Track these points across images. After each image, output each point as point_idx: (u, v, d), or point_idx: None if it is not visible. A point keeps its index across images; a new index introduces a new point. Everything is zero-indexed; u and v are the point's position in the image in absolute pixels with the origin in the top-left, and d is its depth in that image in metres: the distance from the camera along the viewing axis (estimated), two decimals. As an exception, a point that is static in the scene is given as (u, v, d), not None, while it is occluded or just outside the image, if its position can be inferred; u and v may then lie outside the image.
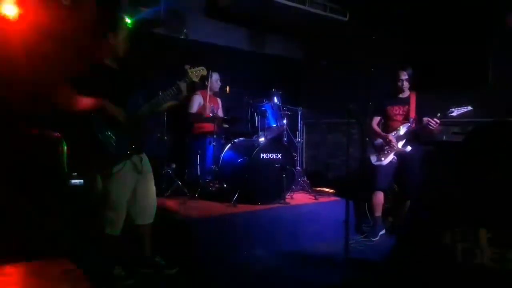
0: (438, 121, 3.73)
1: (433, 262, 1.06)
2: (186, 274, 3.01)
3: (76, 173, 2.90)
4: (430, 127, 3.75)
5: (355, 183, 4.60)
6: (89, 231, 2.73)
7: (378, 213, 4.21)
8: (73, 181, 2.82)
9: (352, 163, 5.46)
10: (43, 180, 3.04)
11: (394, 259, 1.16)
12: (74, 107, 2.49)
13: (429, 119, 3.75)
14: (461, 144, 1.20)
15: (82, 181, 3.01)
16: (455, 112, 3.64)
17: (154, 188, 2.92)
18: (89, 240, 2.78)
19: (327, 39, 6.11)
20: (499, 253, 1.01)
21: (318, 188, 5.09)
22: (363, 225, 4.46)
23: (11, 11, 3.82)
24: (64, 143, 2.62)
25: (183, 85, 2.81)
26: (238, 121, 4.85)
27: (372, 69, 5.21)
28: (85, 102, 2.51)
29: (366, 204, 4.37)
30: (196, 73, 2.90)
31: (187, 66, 2.88)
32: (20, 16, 3.84)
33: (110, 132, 2.58)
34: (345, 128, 5.63)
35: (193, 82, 2.96)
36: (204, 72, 2.98)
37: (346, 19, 5.65)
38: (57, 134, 2.60)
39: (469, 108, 3.61)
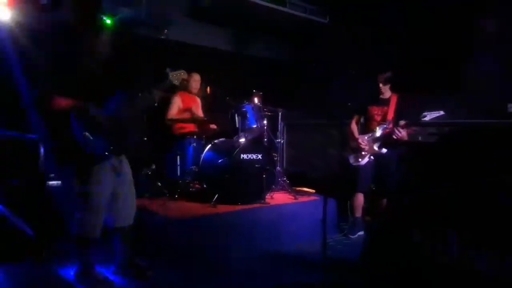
0: (402, 132, 3.83)
1: (403, 259, 1.11)
2: (165, 275, 3.01)
3: (53, 175, 2.87)
4: (394, 136, 3.87)
5: (335, 182, 4.67)
6: (68, 233, 2.69)
7: (358, 213, 4.30)
8: (50, 182, 2.78)
9: (332, 163, 5.57)
10: (20, 182, 3.00)
11: (366, 256, 1.21)
12: (53, 108, 2.46)
13: (396, 128, 3.85)
14: (433, 147, 1.25)
15: (59, 182, 2.96)
16: (428, 116, 3.71)
17: (133, 189, 2.91)
18: (67, 242, 2.74)
19: (308, 41, 6.19)
20: (466, 254, 1.06)
21: (298, 188, 5.15)
22: (342, 223, 4.54)
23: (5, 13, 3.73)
24: (41, 144, 2.57)
25: (157, 93, 2.81)
26: (218, 121, 4.86)
27: (352, 71, 5.30)
28: (64, 103, 2.49)
29: (348, 203, 4.43)
30: (176, 76, 2.91)
31: (168, 70, 2.87)
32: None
33: (89, 133, 2.56)
34: (325, 129, 5.75)
35: (174, 83, 2.96)
36: (185, 76, 2.99)
37: (326, 21, 5.74)
38: (34, 135, 2.56)
39: (442, 112, 3.71)
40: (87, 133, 2.55)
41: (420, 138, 4.27)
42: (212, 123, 4.79)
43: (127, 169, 2.84)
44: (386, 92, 4.13)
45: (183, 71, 2.95)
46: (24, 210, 2.91)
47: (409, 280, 1.09)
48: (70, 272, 2.51)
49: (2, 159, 2.92)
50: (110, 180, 2.67)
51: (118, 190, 2.75)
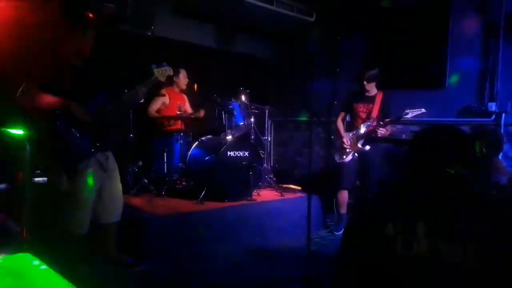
0: (385, 130, 3.95)
1: (376, 252, 1.16)
2: (152, 272, 3.03)
3: (39, 171, 2.86)
4: (378, 134, 3.97)
5: (320, 179, 4.75)
6: (54, 229, 2.70)
7: (343, 210, 4.37)
8: (36, 179, 2.78)
9: (317, 161, 5.64)
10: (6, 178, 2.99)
11: (342, 250, 1.26)
12: (37, 106, 2.46)
13: (379, 127, 3.95)
14: (408, 143, 1.31)
15: (46, 179, 2.96)
16: (410, 114, 3.81)
17: (120, 186, 2.92)
18: (54, 239, 2.74)
19: (295, 39, 6.23)
20: (433, 245, 1.12)
21: (285, 185, 5.21)
22: (328, 220, 4.63)
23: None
24: (27, 141, 2.57)
25: (143, 90, 2.82)
26: (203, 119, 4.87)
27: (338, 69, 5.38)
28: (49, 100, 2.49)
29: (334, 200, 4.50)
30: (162, 73, 2.92)
31: (153, 66, 2.88)
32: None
33: (75, 130, 2.57)
34: (311, 127, 5.82)
35: (160, 79, 2.97)
36: (171, 72, 3.00)
37: (313, 19, 5.78)
38: (19, 131, 2.56)
39: (423, 110, 3.81)
40: (73, 130, 2.56)
41: (404, 136, 4.37)
42: (199, 110, 4.78)
43: (113, 165, 2.85)
44: (372, 89, 4.19)
45: (169, 67, 2.96)
46: (10, 207, 2.90)
47: (382, 273, 1.14)
48: (57, 268, 2.51)
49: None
50: (96, 176, 2.68)
51: (104, 187, 2.76)
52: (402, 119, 3.87)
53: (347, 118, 4.46)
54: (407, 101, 4.14)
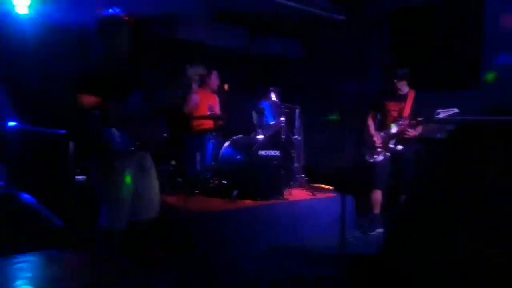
0: (414, 131, 3.87)
1: (421, 256, 1.14)
2: (186, 269, 3.09)
3: (80, 170, 2.98)
4: (408, 135, 3.90)
5: (353, 179, 4.68)
6: (94, 226, 2.80)
7: (377, 210, 4.29)
8: (77, 177, 2.90)
9: (349, 160, 5.57)
10: (50, 176, 3.13)
11: (384, 253, 1.24)
12: (80, 105, 2.56)
13: (409, 127, 3.88)
14: (444, 143, 1.27)
15: (85, 177, 3.08)
16: (442, 114, 3.71)
17: (157, 183, 2.99)
18: (93, 235, 2.85)
19: (325, 38, 6.19)
20: (478, 250, 1.08)
21: (316, 185, 5.17)
22: (361, 220, 4.55)
23: (23, 7, 3.89)
24: (69, 140, 2.69)
25: (177, 90, 2.88)
26: (235, 119, 4.92)
27: (369, 68, 5.30)
28: (90, 100, 2.58)
29: (365, 200, 4.43)
30: (195, 72, 2.97)
31: (187, 66, 2.94)
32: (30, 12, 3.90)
33: (114, 130, 2.65)
34: (343, 125, 5.75)
35: (192, 80, 3.02)
36: (203, 72, 3.05)
37: (344, 18, 5.73)
38: (62, 131, 2.68)
39: (456, 110, 3.70)
40: (112, 130, 2.64)
41: (438, 136, 4.24)
42: (221, 119, 4.84)
43: (150, 163, 2.93)
44: (403, 88, 4.10)
45: (201, 67, 3.01)
46: (54, 203, 3.04)
47: (424, 276, 1.12)
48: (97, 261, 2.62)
49: (35, 153, 3.07)
50: (134, 174, 2.77)
51: (142, 184, 2.84)
52: (432, 119, 3.79)
53: (378, 116, 4.37)
54: (440, 99, 4.02)
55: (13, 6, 3.89)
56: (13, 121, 3.76)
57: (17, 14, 3.90)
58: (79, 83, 2.58)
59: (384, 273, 1.20)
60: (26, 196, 2.99)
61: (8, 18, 3.92)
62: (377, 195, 4.25)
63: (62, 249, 2.27)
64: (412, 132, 3.90)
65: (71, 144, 2.61)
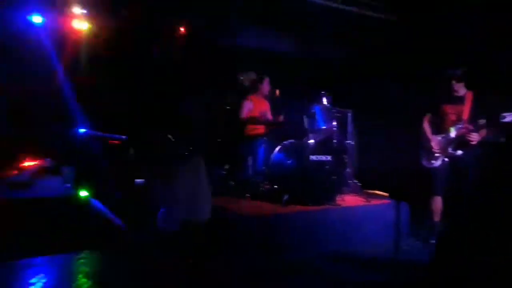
0: (478, 135, 3.61)
1: (476, 263, 1.09)
2: (237, 270, 3.15)
3: (139, 173, 3.15)
4: (471, 140, 3.65)
5: (409, 185, 4.49)
6: (152, 226, 2.95)
7: (437, 217, 4.07)
8: (137, 180, 3.07)
9: (405, 166, 5.36)
10: (112, 179, 3.36)
11: (436, 260, 1.20)
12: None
13: (471, 132, 3.63)
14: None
15: (144, 180, 3.25)
16: (508, 117, 3.45)
17: (209, 186, 3.09)
18: (152, 234, 3.01)
19: (377, 40, 6.03)
20: None
21: (370, 191, 5.04)
22: (418, 228, 4.36)
23: (82, 25, 4.25)
24: (130, 145, 2.86)
25: (230, 96, 2.95)
26: (286, 123, 4.94)
27: (422, 70, 5.08)
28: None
29: (423, 207, 4.23)
30: (247, 79, 3.04)
31: (240, 73, 3.02)
32: (90, 29, 4.24)
33: (171, 135, 2.78)
34: (397, 130, 5.56)
35: (245, 87, 3.10)
36: (255, 77, 3.10)
37: (396, 19, 5.57)
38: (124, 137, 2.86)
39: None
40: (169, 136, 2.78)
41: (501, 140, 3.95)
42: (275, 124, 4.87)
43: (203, 167, 3.03)
44: (460, 89, 3.88)
45: (253, 73, 3.07)
46: (117, 205, 3.25)
47: (479, 281, 1.07)
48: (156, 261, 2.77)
49: (100, 158, 3.32)
50: (189, 177, 2.88)
51: (195, 187, 2.95)
52: (499, 122, 3.51)
53: (434, 119, 4.15)
54: (502, 101, 3.73)
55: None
56: (83, 127, 4.10)
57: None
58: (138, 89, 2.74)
59: (436, 280, 1.16)
60: (90, 198, 3.23)
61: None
62: (437, 202, 4.04)
63: (122, 248, 2.43)
64: (475, 137, 3.65)
65: (131, 149, 2.78)
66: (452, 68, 3.91)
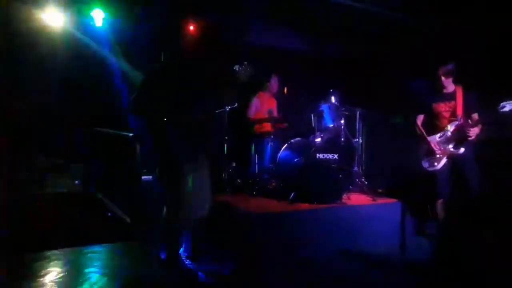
0: (477, 129, 3.51)
1: (473, 259, 1.09)
2: (243, 267, 3.17)
3: (146, 170, 3.20)
4: (470, 136, 3.54)
5: (416, 185, 4.47)
6: (158, 222, 3.00)
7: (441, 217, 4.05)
8: (143, 177, 3.11)
9: (413, 165, 5.31)
10: (119, 175, 3.41)
11: (438, 257, 1.21)
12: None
13: (469, 127, 3.52)
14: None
15: (151, 177, 3.29)
16: (508, 107, 3.25)
17: (210, 184, 3.12)
18: (158, 230, 3.05)
19: (389, 38, 5.98)
20: None
21: (380, 190, 5.00)
22: (424, 227, 4.33)
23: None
24: (136, 142, 2.89)
25: (228, 91, 2.96)
26: (293, 122, 4.96)
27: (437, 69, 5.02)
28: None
29: (428, 206, 4.19)
30: (244, 72, 3.03)
31: (236, 67, 3.00)
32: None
33: (178, 135, 2.81)
34: (407, 130, 5.51)
35: (246, 82, 3.08)
36: (252, 71, 3.09)
37: (406, 17, 5.51)
38: (130, 134, 2.90)
39: None
40: (176, 135, 2.80)
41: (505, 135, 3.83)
42: (283, 122, 4.88)
43: (206, 164, 3.06)
44: (449, 85, 3.80)
45: (250, 66, 3.04)
46: (123, 201, 3.30)
47: (478, 280, 1.07)
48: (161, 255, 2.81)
49: (108, 154, 3.38)
50: (194, 175, 2.91)
51: (199, 184, 2.98)
52: (499, 113, 3.32)
53: (427, 119, 4.03)
54: (494, 93, 3.61)
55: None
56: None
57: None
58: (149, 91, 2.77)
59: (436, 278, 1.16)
60: (98, 194, 3.29)
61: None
62: (442, 203, 3.99)
63: (128, 242, 2.47)
64: (474, 131, 3.54)
65: (138, 146, 2.82)
66: (441, 64, 3.83)
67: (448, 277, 1.13)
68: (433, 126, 3.92)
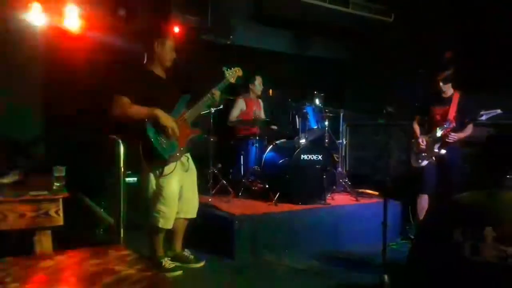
0: (456, 136, 3.74)
1: (444, 257, 1.14)
2: (225, 268, 3.19)
3: (130, 172, 3.18)
4: (449, 140, 3.77)
5: (399, 185, 4.55)
6: (143, 224, 2.99)
7: (422, 216, 4.15)
8: (127, 179, 3.09)
9: (396, 165, 5.41)
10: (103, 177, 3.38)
11: (412, 256, 1.25)
12: (129, 116, 2.73)
13: (451, 131, 3.74)
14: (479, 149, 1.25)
15: (135, 179, 3.28)
16: (485, 116, 3.53)
17: (196, 185, 3.13)
18: (143, 232, 3.04)
19: (371, 40, 6.08)
20: (502, 250, 1.07)
21: (361, 190, 5.07)
22: (407, 227, 4.42)
23: (74, 24, 4.22)
24: (121, 143, 2.88)
25: (217, 93, 2.99)
26: (278, 123, 4.99)
27: (422, 71, 5.13)
28: (138, 110, 2.75)
29: (410, 207, 4.31)
30: (232, 74, 3.06)
31: (224, 68, 3.04)
32: (82, 29, 4.23)
33: (161, 137, 2.81)
34: (389, 130, 5.61)
35: (232, 84, 3.11)
36: (240, 73, 3.13)
37: (391, 20, 5.61)
38: (115, 136, 2.88)
39: (498, 111, 3.50)
40: (159, 137, 2.80)
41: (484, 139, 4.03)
42: (273, 124, 4.93)
43: (192, 165, 3.07)
44: (448, 90, 3.95)
45: (238, 68, 3.09)
46: (106, 202, 3.28)
47: (450, 278, 1.11)
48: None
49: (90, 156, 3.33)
50: (180, 176, 2.93)
51: (185, 185, 2.99)
52: (476, 121, 3.64)
53: (423, 121, 4.22)
54: (484, 101, 3.81)
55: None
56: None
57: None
58: (130, 92, 2.76)
59: (410, 282, 1.21)
60: (82, 196, 3.26)
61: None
62: (423, 200, 4.11)
63: (112, 244, 2.45)
64: (453, 136, 3.76)
65: (122, 148, 2.81)
66: (440, 69, 3.97)
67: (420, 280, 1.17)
68: (429, 127, 4.12)
